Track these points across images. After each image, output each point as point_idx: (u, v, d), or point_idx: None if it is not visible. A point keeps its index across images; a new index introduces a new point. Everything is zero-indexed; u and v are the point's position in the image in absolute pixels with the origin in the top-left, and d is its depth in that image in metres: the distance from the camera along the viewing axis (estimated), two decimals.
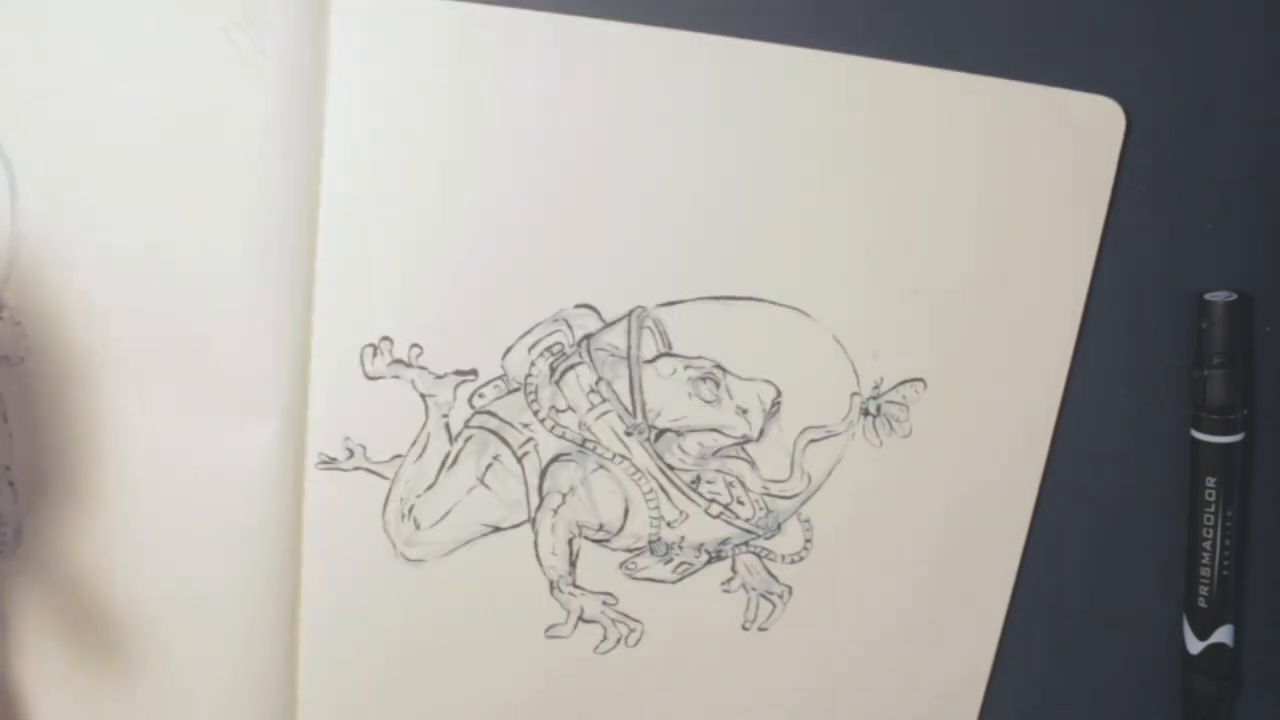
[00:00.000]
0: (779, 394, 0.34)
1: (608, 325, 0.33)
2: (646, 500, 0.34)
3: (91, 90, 0.29)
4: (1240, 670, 0.38)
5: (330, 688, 0.34)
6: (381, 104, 0.31)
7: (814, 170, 0.33)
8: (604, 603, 0.35)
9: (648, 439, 0.33)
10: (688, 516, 0.34)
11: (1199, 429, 0.36)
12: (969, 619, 0.37)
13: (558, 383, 0.33)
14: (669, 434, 0.34)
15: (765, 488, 0.34)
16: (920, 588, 0.36)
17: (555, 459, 0.33)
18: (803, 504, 0.35)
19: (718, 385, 0.34)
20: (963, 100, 0.33)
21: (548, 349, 0.33)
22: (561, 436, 0.33)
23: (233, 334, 0.31)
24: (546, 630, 0.35)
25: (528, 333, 0.33)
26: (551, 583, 0.34)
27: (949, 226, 0.34)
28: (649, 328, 0.33)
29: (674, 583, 0.35)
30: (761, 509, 0.35)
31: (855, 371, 0.34)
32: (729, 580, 0.35)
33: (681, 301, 0.33)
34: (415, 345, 0.32)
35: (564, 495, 0.34)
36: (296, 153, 0.30)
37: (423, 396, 0.32)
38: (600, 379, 0.33)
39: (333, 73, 0.30)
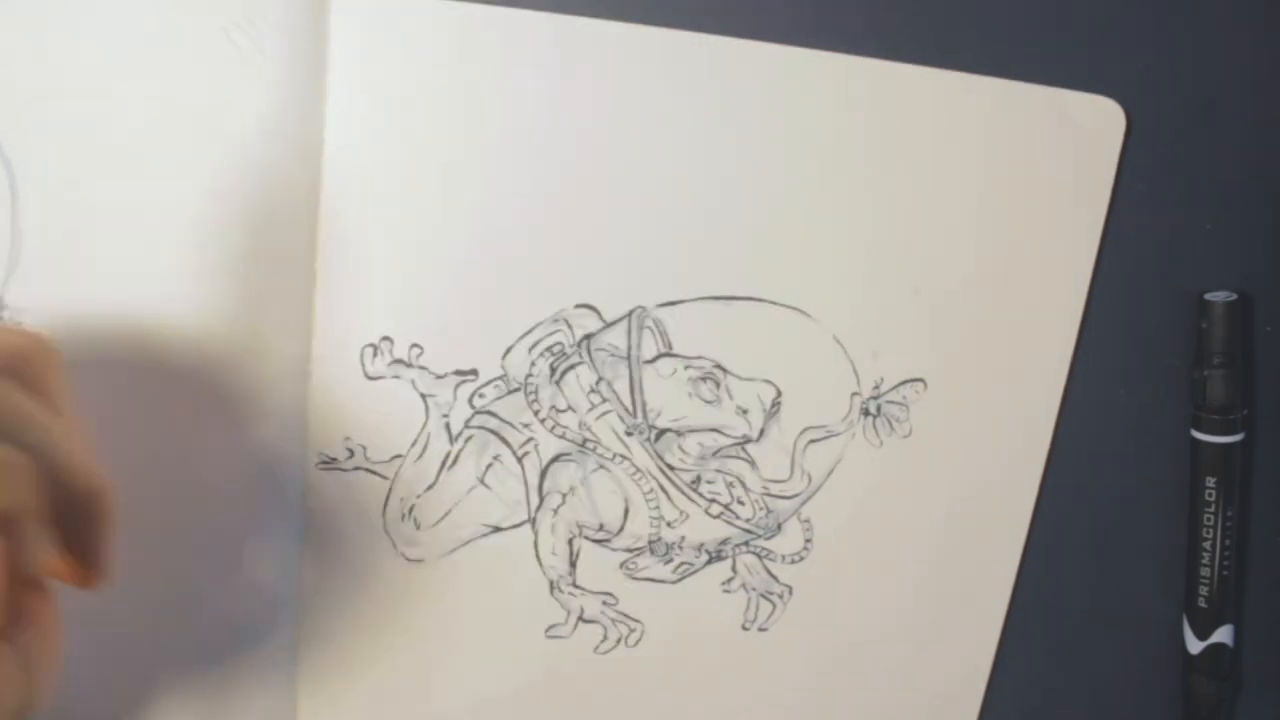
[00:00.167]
0: (779, 394, 0.34)
1: (608, 325, 0.33)
2: (647, 500, 0.34)
3: (91, 90, 0.29)
4: (1240, 670, 0.38)
5: (330, 687, 0.34)
6: (381, 104, 0.31)
7: (814, 170, 0.33)
8: (604, 603, 0.35)
9: (648, 439, 0.33)
10: (688, 516, 0.34)
11: (1199, 429, 0.36)
12: (969, 619, 0.37)
13: (558, 383, 0.33)
14: (669, 434, 0.34)
15: (765, 488, 0.34)
16: (920, 588, 0.36)
17: (555, 459, 0.33)
18: (803, 504, 0.35)
19: (718, 385, 0.34)
20: (963, 100, 0.33)
21: (548, 349, 0.33)
22: (562, 436, 0.33)
23: (233, 334, 0.31)
24: (546, 630, 0.35)
25: (528, 333, 0.33)
26: (552, 583, 0.34)
27: (949, 226, 0.34)
28: (649, 328, 0.33)
29: (674, 583, 0.35)
30: (762, 509, 0.35)
31: (855, 371, 0.34)
32: (729, 580, 0.35)
33: (682, 301, 0.33)
34: (415, 345, 0.32)
35: (564, 495, 0.34)
36: (296, 153, 0.30)
37: (423, 396, 0.32)
38: (600, 379, 0.33)
39: (333, 73, 0.30)
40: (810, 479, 0.35)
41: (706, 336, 0.33)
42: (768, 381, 0.34)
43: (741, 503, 0.34)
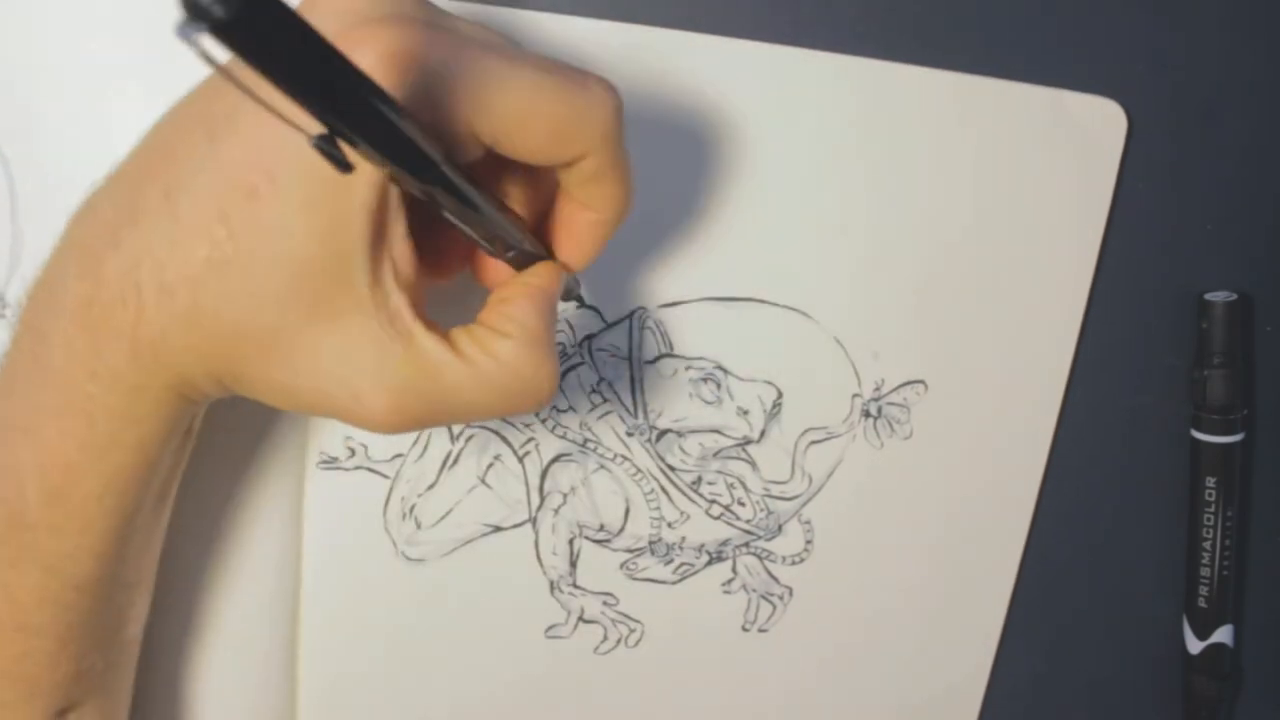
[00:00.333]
0: (780, 395, 0.34)
1: (609, 326, 0.33)
2: (647, 501, 0.34)
3: (91, 91, 0.29)
4: (1240, 670, 0.39)
5: (330, 687, 0.34)
6: None
7: (815, 171, 0.33)
8: (604, 603, 0.35)
9: (649, 440, 0.33)
10: (688, 517, 0.34)
11: (1199, 429, 0.36)
12: (969, 619, 0.37)
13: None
14: (670, 435, 0.34)
15: (766, 489, 0.34)
16: (920, 588, 0.36)
17: (556, 459, 0.33)
18: (803, 505, 0.35)
19: (719, 386, 0.34)
20: (964, 101, 0.33)
21: None
22: (563, 437, 0.33)
23: None
24: (547, 630, 0.34)
25: None
26: (552, 583, 0.34)
27: (950, 227, 0.34)
28: (650, 328, 0.33)
29: (674, 583, 0.35)
30: (762, 510, 0.35)
31: (856, 373, 0.34)
32: (729, 581, 0.35)
33: (683, 302, 0.33)
34: None
35: (565, 495, 0.34)
36: None
37: None
38: (601, 379, 0.33)
39: None
40: (811, 480, 0.35)
41: (707, 337, 0.33)
42: (769, 383, 0.34)
43: (742, 504, 0.34)
